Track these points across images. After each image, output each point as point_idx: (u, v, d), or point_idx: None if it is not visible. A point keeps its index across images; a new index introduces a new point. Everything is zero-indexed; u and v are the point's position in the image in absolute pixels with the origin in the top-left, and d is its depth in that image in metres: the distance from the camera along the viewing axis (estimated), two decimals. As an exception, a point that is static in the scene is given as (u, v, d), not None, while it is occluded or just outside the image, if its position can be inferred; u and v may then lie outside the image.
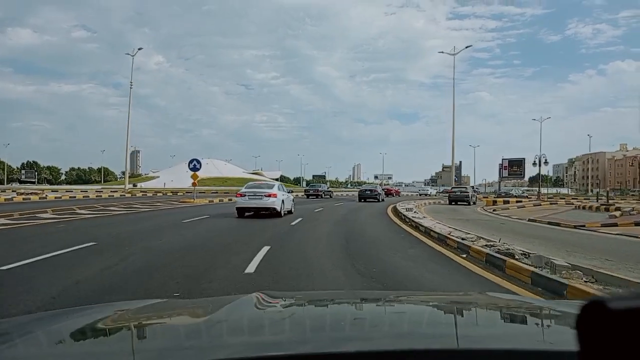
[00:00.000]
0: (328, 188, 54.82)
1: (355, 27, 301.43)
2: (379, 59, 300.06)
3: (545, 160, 47.53)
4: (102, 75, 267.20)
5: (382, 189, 44.82)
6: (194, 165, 28.41)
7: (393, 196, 52.76)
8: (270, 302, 1.75)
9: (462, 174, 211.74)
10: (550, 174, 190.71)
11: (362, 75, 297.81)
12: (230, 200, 33.96)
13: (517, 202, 32.38)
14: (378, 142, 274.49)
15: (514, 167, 66.62)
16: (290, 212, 18.92)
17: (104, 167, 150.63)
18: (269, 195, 17.06)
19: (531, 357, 0.97)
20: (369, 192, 38.55)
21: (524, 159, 67.66)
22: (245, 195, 17.29)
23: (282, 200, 17.69)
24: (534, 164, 50.63)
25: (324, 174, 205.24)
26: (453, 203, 35.11)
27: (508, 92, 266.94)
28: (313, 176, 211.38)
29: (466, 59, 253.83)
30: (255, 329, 1.33)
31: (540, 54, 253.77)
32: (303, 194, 47.12)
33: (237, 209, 17.31)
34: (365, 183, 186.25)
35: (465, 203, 34.41)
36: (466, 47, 49.30)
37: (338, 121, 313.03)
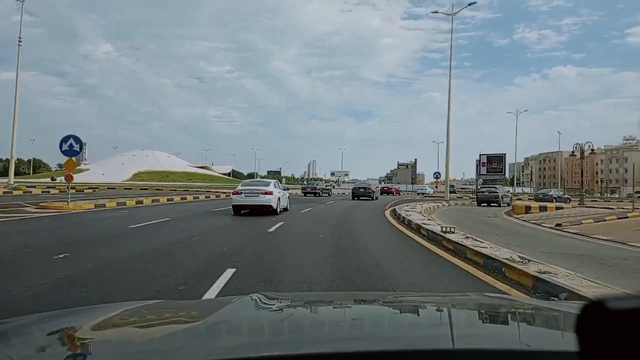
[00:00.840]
0: (326, 186, 50.22)
1: (311, 23, 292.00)
2: (334, 55, 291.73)
3: (592, 149, 38.75)
4: (46, 63, 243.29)
5: (376, 187, 41.38)
6: (70, 146, 16.90)
7: (393, 194, 48.84)
8: (269, 303, 1.66)
9: (417, 172, 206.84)
10: (507, 173, 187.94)
11: (318, 72, 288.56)
12: (139, 203, 21.55)
13: (556, 208, 22.96)
14: (333, 138, 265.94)
15: (494, 163, 58.16)
16: (286, 209, 18.42)
17: (34, 159, 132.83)
18: (266, 193, 16.52)
19: (531, 357, 0.95)
20: (362, 189, 35.92)
21: (504, 154, 59.40)
22: (241, 193, 16.71)
23: (278, 198, 17.21)
24: (572, 154, 42.14)
25: (279, 170, 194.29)
26: (484, 204, 30.48)
27: (459, 92, 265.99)
28: (268, 172, 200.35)
29: (419, 59, 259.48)
30: (255, 329, 1.28)
31: (489, 56, 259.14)
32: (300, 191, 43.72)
33: (233, 206, 16.63)
34: (320, 180, 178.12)
35: (496, 205, 29.95)
36: (469, 5, 39.40)
37: (293, 117, 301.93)
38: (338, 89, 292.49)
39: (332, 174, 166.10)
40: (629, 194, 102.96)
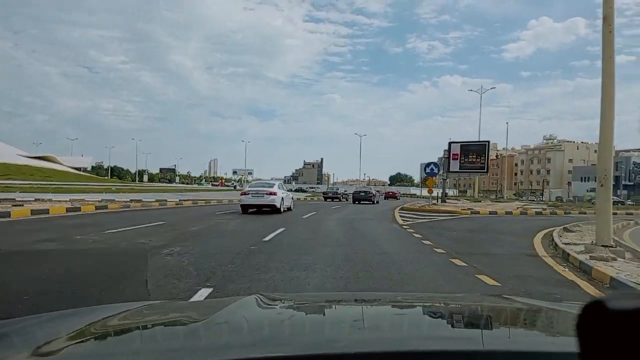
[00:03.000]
0: (345, 191, 45.75)
1: (213, 17, 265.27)
2: (237, 52, 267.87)
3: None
4: None
5: (377, 191, 40.51)
6: None
7: (397, 199, 47.36)
8: (270, 304, 1.61)
9: (323, 172, 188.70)
10: (417, 174, 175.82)
11: (220, 68, 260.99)
12: None
13: None
14: (236, 137, 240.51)
15: (472, 155, 38.23)
16: (289, 209, 19.30)
17: None
18: (270, 194, 17.40)
19: (532, 358, 0.92)
20: (363, 193, 34.93)
21: (487, 142, 39.69)
22: (248, 194, 17.68)
23: (282, 198, 17.96)
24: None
25: (173, 167, 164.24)
26: None
27: (357, 96, 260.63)
28: (160, 169, 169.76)
29: (320, 61, 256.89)
30: (255, 330, 1.23)
31: (385, 62, 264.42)
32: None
33: (241, 206, 17.69)
34: (221, 178, 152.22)
35: None
36: None
37: (194, 113, 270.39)
38: (240, 87, 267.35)
39: (235, 172, 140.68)
40: (557, 197, 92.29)
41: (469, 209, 25.41)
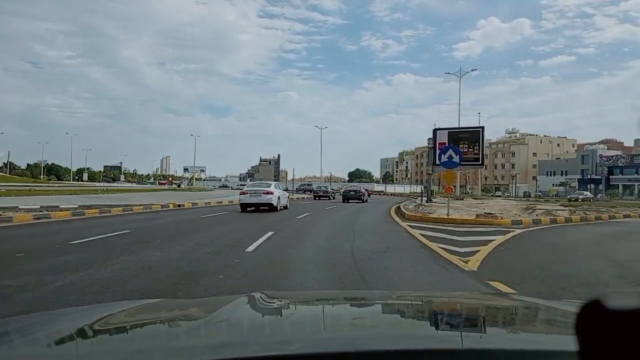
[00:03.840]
0: (334, 190, 45.75)
1: (164, 11, 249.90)
2: (190, 47, 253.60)
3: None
4: None
5: (365, 190, 38.14)
6: None
7: (369, 196, 42.66)
8: (269, 302, 1.62)
9: (281, 169, 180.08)
10: (377, 170, 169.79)
11: (173, 64, 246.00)
12: None
13: None
14: (189, 134, 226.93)
15: (463, 144, 31.07)
16: (286, 207, 19.99)
17: None
18: (267, 193, 18.25)
19: (530, 357, 0.90)
20: (353, 192, 34.75)
21: (482, 127, 32.58)
22: (247, 193, 18.60)
23: (279, 197, 18.91)
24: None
25: (119, 164, 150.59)
26: None
27: (313, 93, 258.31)
28: (104, 167, 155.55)
29: (275, 58, 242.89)
30: (255, 328, 1.24)
31: (340, 60, 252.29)
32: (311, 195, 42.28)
33: (241, 204, 18.53)
34: (170, 177, 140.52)
35: None
36: None
37: (146, 110, 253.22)
38: (193, 83, 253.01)
39: (185, 169, 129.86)
40: (525, 192, 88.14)
41: (487, 214, 18.14)
